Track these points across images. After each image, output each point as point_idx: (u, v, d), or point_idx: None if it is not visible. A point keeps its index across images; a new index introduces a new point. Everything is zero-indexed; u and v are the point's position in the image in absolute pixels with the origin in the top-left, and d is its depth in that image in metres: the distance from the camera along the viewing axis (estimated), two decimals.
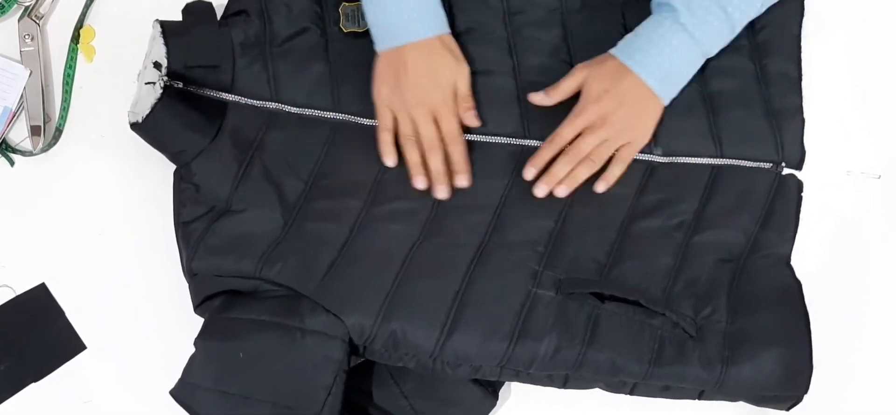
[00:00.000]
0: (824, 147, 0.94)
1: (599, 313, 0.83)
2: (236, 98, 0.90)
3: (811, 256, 0.91)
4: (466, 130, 0.91)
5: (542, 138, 0.91)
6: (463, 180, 0.88)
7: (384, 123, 0.88)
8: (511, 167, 0.90)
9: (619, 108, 0.86)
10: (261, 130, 0.89)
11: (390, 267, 0.84)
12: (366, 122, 0.91)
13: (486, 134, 0.91)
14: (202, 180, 0.87)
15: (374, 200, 0.88)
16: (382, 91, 0.87)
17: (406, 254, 0.85)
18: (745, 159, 0.91)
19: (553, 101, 0.89)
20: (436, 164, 0.87)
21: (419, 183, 0.87)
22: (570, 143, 0.87)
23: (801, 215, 0.91)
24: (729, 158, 0.91)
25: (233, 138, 0.88)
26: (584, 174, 0.87)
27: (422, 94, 0.85)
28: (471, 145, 0.90)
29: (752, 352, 0.82)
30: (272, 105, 0.90)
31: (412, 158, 0.88)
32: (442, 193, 0.87)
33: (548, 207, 0.89)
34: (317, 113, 0.90)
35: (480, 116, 0.90)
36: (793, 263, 0.89)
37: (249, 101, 0.90)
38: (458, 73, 0.87)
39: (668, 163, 0.91)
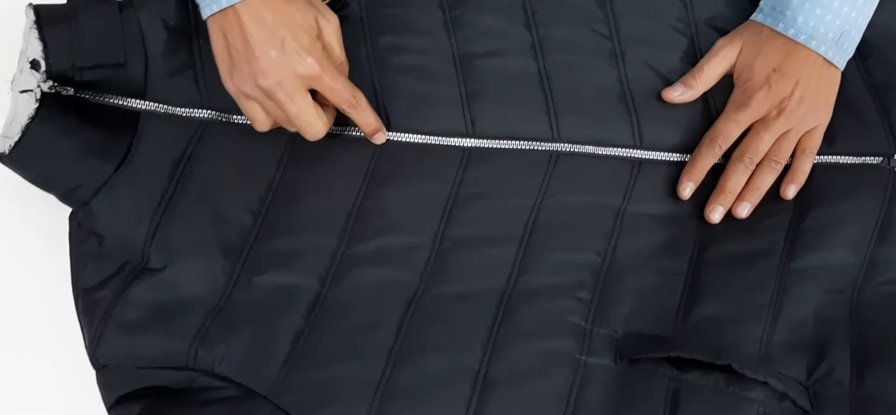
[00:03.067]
0: None
1: (679, 386, 0.60)
2: (152, 105, 0.64)
3: None
4: (474, 131, 0.66)
5: (578, 139, 0.67)
6: (381, 137, 0.65)
7: (253, 117, 0.62)
8: (537, 181, 0.66)
9: (795, 88, 0.67)
10: (189, 148, 0.64)
11: (381, 338, 0.60)
12: (334, 128, 0.66)
13: (499, 137, 0.67)
14: (107, 226, 0.62)
15: (353, 234, 0.64)
16: (226, 81, 0.61)
17: (402, 315, 0.61)
18: (845, 154, 0.69)
19: (699, 93, 0.69)
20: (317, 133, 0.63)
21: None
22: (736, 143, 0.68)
23: None
24: (823, 155, 0.69)
25: (148, 162, 0.63)
26: (768, 181, 0.67)
27: (276, 65, 0.59)
28: (478, 153, 0.66)
29: None
30: (203, 113, 0.65)
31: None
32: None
33: (589, 234, 0.65)
34: None
35: (490, 110, 0.67)
36: None
37: (171, 109, 0.64)
38: (321, 20, 0.62)
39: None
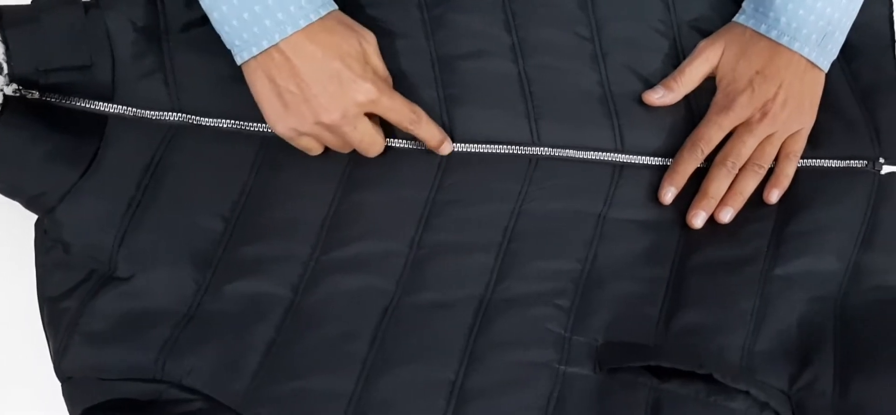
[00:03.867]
0: None
1: (660, 396, 0.58)
2: (120, 109, 0.63)
3: None
4: (452, 135, 0.65)
5: (558, 143, 0.66)
6: (447, 147, 0.64)
7: (308, 149, 0.63)
8: (517, 186, 0.65)
9: (778, 91, 0.65)
10: (158, 153, 0.62)
11: (355, 349, 0.59)
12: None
13: (477, 141, 0.65)
14: (73, 234, 0.60)
15: (328, 241, 0.62)
16: (275, 124, 0.60)
17: (377, 324, 0.60)
18: (829, 158, 0.68)
19: (679, 96, 0.67)
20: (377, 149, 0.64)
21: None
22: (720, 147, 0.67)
23: None
24: (807, 159, 0.68)
25: (116, 168, 0.61)
26: (751, 185, 0.66)
27: (337, 99, 0.59)
28: (457, 157, 0.65)
29: None
30: (173, 116, 0.63)
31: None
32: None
33: (569, 240, 0.64)
34: (239, 124, 0.64)
35: (468, 114, 0.65)
36: None
37: (140, 113, 0.63)
38: (363, 42, 0.61)
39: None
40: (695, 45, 0.69)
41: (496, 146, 0.65)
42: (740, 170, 0.66)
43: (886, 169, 0.69)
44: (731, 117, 0.65)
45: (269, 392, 0.56)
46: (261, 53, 0.57)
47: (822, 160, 0.68)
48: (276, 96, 0.58)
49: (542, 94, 0.66)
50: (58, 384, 0.59)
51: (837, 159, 0.68)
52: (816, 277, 0.64)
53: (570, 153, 0.66)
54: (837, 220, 0.66)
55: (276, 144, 0.63)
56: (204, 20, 0.64)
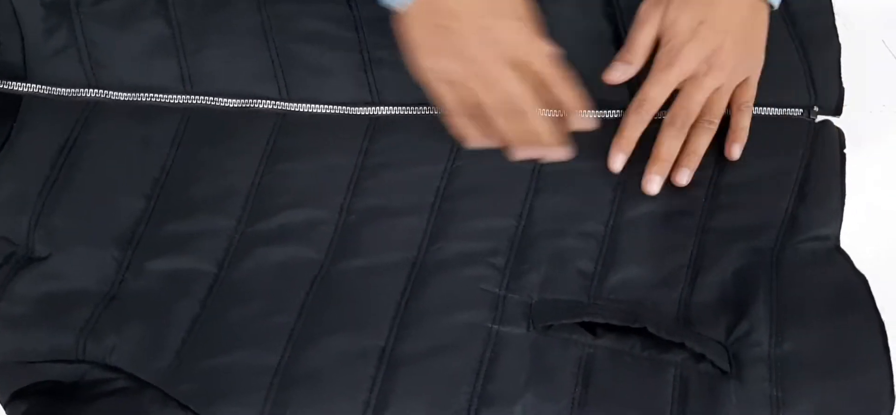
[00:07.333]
0: (861, 81, 0.68)
1: (594, 352, 0.57)
2: (33, 88, 0.61)
3: (859, 238, 0.64)
4: (379, 99, 0.64)
5: None
6: (590, 123, 0.61)
7: (449, 104, 0.60)
8: (447, 144, 0.64)
9: (725, 38, 0.62)
10: (75, 131, 0.61)
11: (281, 321, 0.57)
12: (232, 103, 0.63)
13: (405, 104, 0.64)
14: None
15: (253, 213, 0.61)
16: (426, 63, 0.58)
17: (305, 295, 0.58)
18: (766, 106, 0.67)
19: (637, 68, 0.64)
20: (540, 125, 0.59)
21: (524, 153, 0.61)
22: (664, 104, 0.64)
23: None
24: None
25: (30, 148, 0.60)
26: (704, 142, 0.63)
27: (488, 44, 0.57)
28: (384, 121, 0.63)
29: (809, 387, 0.57)
30: (89, 92, 0.61)
31: (502, 136, 0.60)
32: (564, 154, 0.61)
33: (503, 196, 0.63)
34: (159, 98, 0.62)
35: (394, 77, 0.64)
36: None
37: (54, 91, 0.61)
38: None
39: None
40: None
41: (425, 108, 0.64)
42: (691, 127, 0.63)
43: (820, 118, 0.68)
44: (676, 72, 0.62)
45: (193, 368, 0.55)
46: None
47: (760, 108, 0.67)
48: (430, 34, 0.57)
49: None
50: None
51: (774, 107, 0.67)
52: (753, 229, 0.63)
53: None
54: (773, 170, 0.65)
55: (197, 117, 0.62)
56: None
